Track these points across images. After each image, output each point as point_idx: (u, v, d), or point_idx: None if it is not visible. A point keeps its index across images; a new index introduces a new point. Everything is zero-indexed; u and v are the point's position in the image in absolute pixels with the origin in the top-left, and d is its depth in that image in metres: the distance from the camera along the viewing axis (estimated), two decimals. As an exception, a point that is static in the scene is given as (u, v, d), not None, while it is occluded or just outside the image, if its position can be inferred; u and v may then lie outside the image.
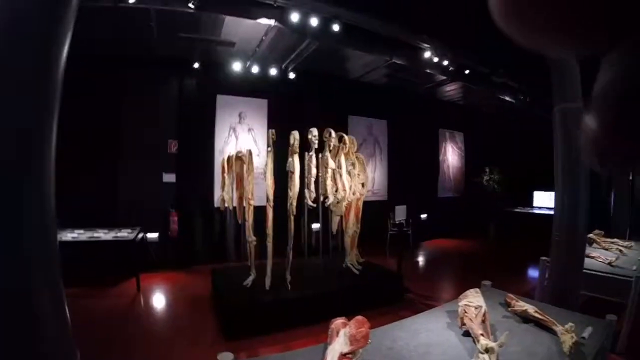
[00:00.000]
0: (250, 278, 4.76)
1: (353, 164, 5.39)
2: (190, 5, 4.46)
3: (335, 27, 5.34)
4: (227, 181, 5.72)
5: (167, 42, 6.07)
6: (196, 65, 6.87)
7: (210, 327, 4.37)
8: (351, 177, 5.30)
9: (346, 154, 5.32)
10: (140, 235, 5.81)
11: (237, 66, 6.99)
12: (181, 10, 4.65)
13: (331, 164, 5.12)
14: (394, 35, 5.93)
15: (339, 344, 1.58)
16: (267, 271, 4.64)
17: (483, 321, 1.84)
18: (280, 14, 5.06)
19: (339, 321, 1.75)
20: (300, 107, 7.98)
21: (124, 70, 6.64)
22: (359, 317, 1.76)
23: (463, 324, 1.90)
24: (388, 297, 5.14)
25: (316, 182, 5.22)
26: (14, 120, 1.40)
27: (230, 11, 4.92)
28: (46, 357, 1.43)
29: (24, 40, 1.41)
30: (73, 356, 1.59)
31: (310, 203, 5.13)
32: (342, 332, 1.64)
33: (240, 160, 4.95)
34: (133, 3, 4.42)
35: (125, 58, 6.52)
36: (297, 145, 4.75)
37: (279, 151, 4.83)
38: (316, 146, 5.03)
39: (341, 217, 5.43)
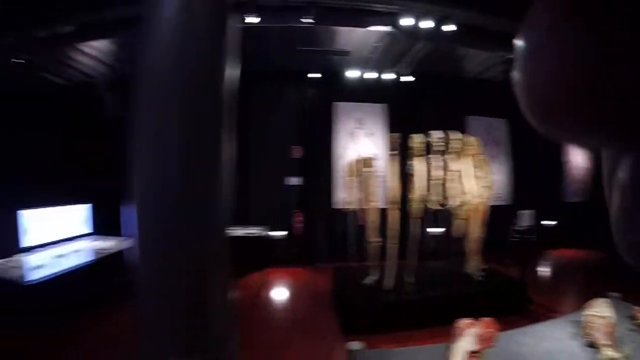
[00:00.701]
0: (371, 278, 4.88)
1: (478, 166, 5.17)
2: (307, 20, 4.79)
3: (448, 28, 5.24)
4: (350, 184, 5.91)
5: (286, 55, 6.58)
6: (314, 74, 7.36)
7: (329, 322, 4.58)
8: (476, 179, 5.10)
9: (471, 156, 5.14)
10: (267, 232, 6.58)
11: (353, 73, 7.27)
12: (299, 26, 5.01)
13: (455, 166, 5.00)
14: (509, 30, 5.59)
15: (466, 342, 1.57)
16: (388, 272, 4.72)
17: (609, 332, 1.68)
18: (392, 19, 5.14)
19: (465, 321, 1.74)
20: (418, 110, 7.97)
21: (247, 83, 7.31)
22: (487, 318, 1.73)
23: (587, 334, 1.75)
24: (510, 305, 4.81)
25: (439, 185, 5.15)
26: (205, 137, 1.72)
27: (344, 22, 5.16)
28: (216, 338, 1.70)
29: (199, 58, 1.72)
30: (235, 338, 1.84)
31: (432, 206, 5.07)
32: (469, 332, 1.63)
33: (363, 164, 5.15)
34: (257, 23, 4.89)
35: (247, 72, 7.15)
36: (418, 148, 4.81)
37: (401, 154, 4.93)
38: (438, 148, 4.99)
39: (464, 221, 5.26)
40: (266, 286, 6.07)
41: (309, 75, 7.38)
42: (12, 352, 3.68)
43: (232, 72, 1.86)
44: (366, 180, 5.04)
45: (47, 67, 7.33)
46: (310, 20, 4.80)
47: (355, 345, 1.68)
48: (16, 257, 4.49)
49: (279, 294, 5.96)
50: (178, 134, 1.67)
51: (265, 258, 6.23)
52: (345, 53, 6.58)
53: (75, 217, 5.88)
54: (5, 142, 4.63)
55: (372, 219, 4.96)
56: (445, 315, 2.65)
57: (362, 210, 5.21)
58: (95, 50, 7.01)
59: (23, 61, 6.41)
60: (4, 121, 4.64)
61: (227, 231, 1.80)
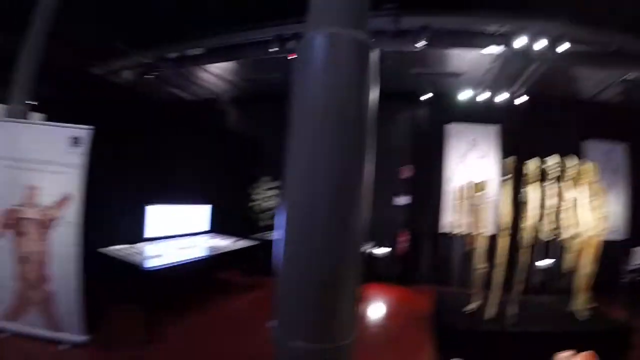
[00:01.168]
0: (473, 305, 4.75)
1: (594, 195, 4.80)
2: (421, 44, 4.90)
3: (563, 47, 5.03)
4: (460, 207, 5.84)
5: (400, 78, 6.76)
6: (425, 96, 7.46)
7: (425, 344, 4.56)
8: (592, 210, 4.74)
9: (587, 184, 4.80)
10: (372, 249, 6.88)
11: (465, 95, 7.20)
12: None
13: (570, 194, 4.71)
14: (627, 48, 5.15)
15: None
16: (491, 300, 4.57)
17: None
18: (505, 40, 5.05)
19: (565, 354, 1.72)
20: (532, 132, 7.54)
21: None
22: (587, 352, 1.70)
23: None
24: (611, 349, 4.36)
25: (553, 213, 4.87)
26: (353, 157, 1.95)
27: (456, 45, 5.19)
28: (342, 328, 1.88)
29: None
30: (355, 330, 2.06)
31: (544, 236, 4.82)
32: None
33: (475, 188, 5.07)
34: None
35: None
36: (533, 174, 4.64)
37: (514, 179, 4.76)
38: (553, 175, 4.76)
39: (576, 254, 4.90)
40: (365, 300, 6.21)
41: (422, 97, 7.48)
42: (127, 324, 4.44)
43: (372, 99, 2.08)
44: (477, 205, 4.95)
45: (175, 83, 8.43)
46: (424, 44, 4.90)
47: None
48: (139, 245, 5.21)
49: (377, 309, 6.07)
50: (328, 155, 1.93)
51: (367, 273, 6.38)
52: (457, 75, 6.55)
53: (197, 215, 6.56)
54: (139, 146, 5.27)
55: (480, 245, 4.84)
56: (544, 351, 2.57)
57: (471, 236, 5.09)
58: (219, 69, 7.84)
59: (152, 76, 7.45)
60: (138, 127, 5.27)
61: (361, 244, 2.00)
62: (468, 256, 5.10)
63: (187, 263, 4.87)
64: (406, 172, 7.67)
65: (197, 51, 6.80)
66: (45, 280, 3.87)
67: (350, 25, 2.06)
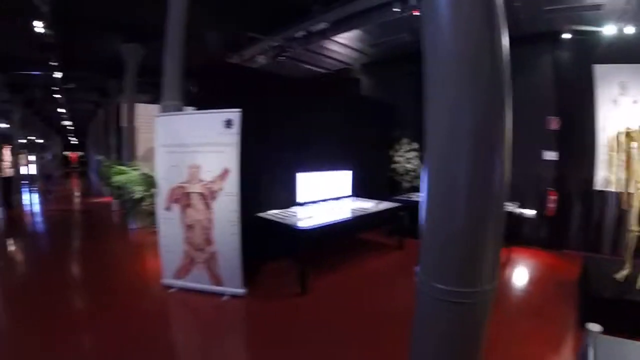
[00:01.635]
0: (624, 272, 4.32)
1: None
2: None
3: None
4: (615, 161, 5.20)
5: (532, 18, 6.11)
6: (566, 35, 6.54)
7: (568, 312, 4.30)
8: None
9: None
10: (519, 209, 6.40)
11: (609, 30, 6.10)
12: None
13: None
14: None
15: None
16: (644, 268, 4.09)
17: None
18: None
19: None
20: None
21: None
22: None
23: None
24: None
25: None
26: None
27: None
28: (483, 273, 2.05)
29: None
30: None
31: None
32: None
33: (629, 138, 4.36)
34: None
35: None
36: None
37: None
38: None
39: None
40: (509, 263, 6.06)
41: (562, 36, 6.54)
42: (281, 278, 5.10)
43: (504, 42, 2.06)
44: (632, 158, 4.27)
45: (307, 60, 8.99)
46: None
47: (595, 327, 1.71)
48: (292, 209, 5.87)
49: (520, 274, 5.84)
50: (467, 109, 1.97)
51: (512, 235, 6.15)
52: (596, 7, 5.70)
53: (340, 181, 7.01)
54: (284, 121, 5.80)
55: (636, 204, 4.19)
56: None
57: (625, 194, 4.42)
58: (345, 39, 8.04)
59: (284, 58, 8.02)
60: (280, 104, 5.77)
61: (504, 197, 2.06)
62: (622, 217, 4.53)
63: (334, 224, 5.31)
64: (553, 123, 6.85)
65: (322, 25, 7.06)
66: (209, 243, 4.64)
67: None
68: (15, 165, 15.55)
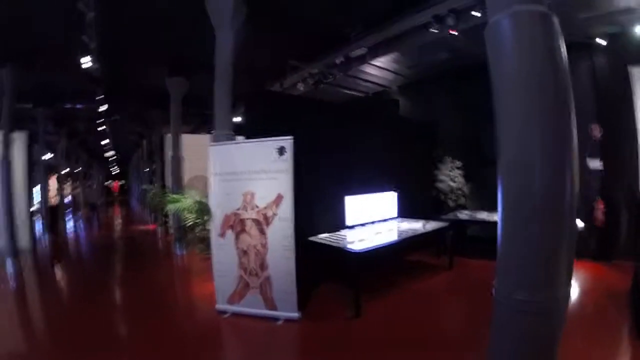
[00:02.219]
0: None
1: None
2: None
3: None
4: None
5: (569, 27, 6.03)
6: (600, 41, 6.49)
7: (623, 323, 4.15)
8: None
9: None
10: None
11: None
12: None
13: None
14: None
15: None
16: None
17: None
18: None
19: None
20: None
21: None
22: None
23: None
24: None
25: None
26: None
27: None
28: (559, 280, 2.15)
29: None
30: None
31: None
32: None
33: None
34: None
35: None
36: None
37: None
38: None
39: None
40: None
41: (597, 41, 6.49)
42: (334, 301, 5.03)
43: (564, 56, 2.19)
44: None
45: (345, 85, 9.19)
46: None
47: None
48: (342, 232, 5.92)
49: (572, 285, 5.68)
50: (537, 118, 2.12)
51: None
52: (630, 10, 5.62)
53: (386, 202, 6.99)
54: (330, 145, 5.90)
55: None
56: None
57: None
58: (384, 63, 8.19)
59: (324, 84, 8.25)
60: (324, 129, 5.86)
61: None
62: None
63: (387, 245, 5.30)
64: (595, 131, 6.64)
65: (361, 51, 7.24)
66: (263, 268, 4.71)
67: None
68: (60, 193, 16.28)
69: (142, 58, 8.02)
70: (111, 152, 24.17)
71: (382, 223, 6.73)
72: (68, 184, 19.83)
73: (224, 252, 4.91)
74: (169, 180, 11.36)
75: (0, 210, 7.60)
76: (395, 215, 7.20)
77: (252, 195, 4.71)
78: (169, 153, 10.74)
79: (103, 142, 19.21)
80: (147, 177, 17.31)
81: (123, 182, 44.29)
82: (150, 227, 15.07)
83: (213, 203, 4.96)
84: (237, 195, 4.78)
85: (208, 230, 5.44)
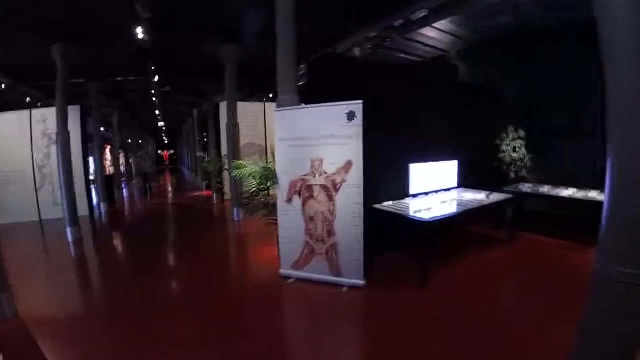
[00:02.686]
0: None
1: None
2: None
3: None
4: None
5: None
6: None
7: None
8: None
9: None
10: None
11: None
12: None
13: None
14: None
15: None
16: None
17: None
18: None
19: None
20: None
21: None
22: None
23: None
24: None
25: None
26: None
27: None
28: None
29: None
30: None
31: None
32: None
33: None
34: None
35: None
36: None
37: None
38: None
39: None
40: None
41: None
42: (399, 270, 4.86)
43: None
44: None
45: (402, 49, 8.84)
46: None
47: None
48: (406, 201, 5.77)
49: None
50: None
51: None
52: None
53: (447, 171, 6.76)
54: (393, 112, 5.67)
55: None
56: None
57: None
58: (444, 26, 7.78)
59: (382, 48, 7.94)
60: (386, 95, 5.63)
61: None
62: None
63: (454, 215, 5.13)
64: None
65: (422, 13, 6.87)
66: (331, 235, 4.67)
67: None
68: (115, 164, 16.96)
69: (194, 26, 7.95)
70: (161, 123, 24.89)
71: (444, 193, 6.53)
72: (121, 154, 20.64)
73: (289, 218, 4.90)
74: (224, 148, 11.58)
75: (61, 181, 7.88)
76: (456, 185, 6.95)
77: (321, 161, 4.62)
78: (224, 121, 10.84)
79: (155, 114, 19.73)
80: (200, 146, 17.67)
81: (172, 151, 46.06)
82: (204, 193, 15.49)
83: (279, 169, 4.92)
84: (305, 161, 4.71)
85: (272, 196, 5.46)
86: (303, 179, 4.74)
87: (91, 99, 12.53)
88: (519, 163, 8.39)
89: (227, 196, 12.04)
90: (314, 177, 4.67)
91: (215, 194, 12.47)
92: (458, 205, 5.63)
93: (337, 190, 4.57)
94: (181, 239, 8.38)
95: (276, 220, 5.12)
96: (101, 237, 8.92)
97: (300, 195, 4.79)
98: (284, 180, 4.87)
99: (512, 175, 8.39)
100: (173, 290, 5.26)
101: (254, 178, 5.34)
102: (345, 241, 4.62)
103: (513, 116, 8.50)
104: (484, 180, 7.40)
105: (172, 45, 8.94)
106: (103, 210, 12.15)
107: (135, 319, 4.16)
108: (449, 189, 6.73)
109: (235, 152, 9.04)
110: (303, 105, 4.89)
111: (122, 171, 20.84)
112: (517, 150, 8.37)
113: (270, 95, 14.84)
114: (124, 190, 18.51)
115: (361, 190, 4.48)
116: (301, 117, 4.75)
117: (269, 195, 5.55)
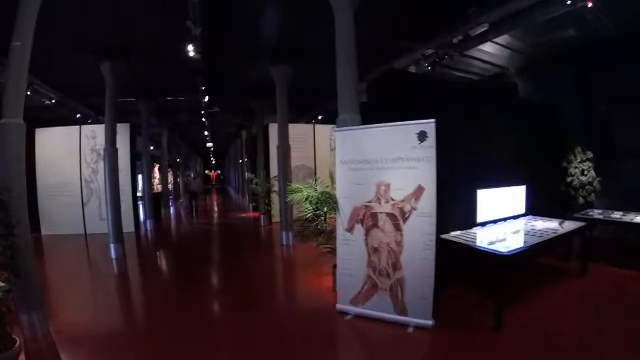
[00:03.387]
0: None
1: None
2: None
3: None
4: None
5: None
6: None
7: None
8: None
9: None
10: None
11: None
12: None
13: None
14: None
15: None
16: None
17: None
18: None
19: None
20: None
21: None
22: None
23: None
24: None
25: None
26: None
27: None
28: None
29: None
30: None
31: None
32: None
33: None
34: None
35: None
36: None
37: None
38: None
39: None
40: None
41: None
42: (471, 307, 4.29)
43: None
44: None
45: (459, 66, 8.37)
46: None
47: None
48: (474, 230, 5.25)
49: None
50: None
51: None
52: None
53: (515, 197, 6.20)
54: (458, 132, 5.15)
55: None
56: None
57: None
58: (504, 40, 7.33)
59: (427, 66, 7.52)
60: (448, 115, 5.16)
61: None
62: None
63: (531, 247, 4.55)
64: None
65: (482, 28, 6.44)
66: (396, 268, 4.20)
67: None
68: (163, 182, 17.27)
69: (245, 45, 7.86)
70: (210, 144, 25.38)
71: (512, 221, 5.96)
72: (170, 173, 21.11)
73: (349, 248, 4.48)
74: (272, 170, 11.58)
75: (107, 197, 7.87)
76: (523, 211, 6.34)
77: (387, 186, 4.20)
78: (273, 142, 10.80)
79: (203, 134, 20.07)
80: (248, 167, 17.71)
81: (219, 171, 47.27)
82: (251, 215, 15.36)
83: (339, 193, 4.53)
84: (369, 186, 4.31)
85: (328, 222, 5.08)
86: (366, 206, 4.32)
87: (141, 118, 12.76)
88: (587, 187, 7.72)
89: (275, 219, 11.88)
90: (380, 203, 4.24)
91: (263, 216, 12.27)
92: (532, 235, 5.04)
93: (405, 219, 4.12)
94: (228, 262, 8.14)
95: (332, 248, 4.71)
96: (144, 256, 8.85)
97: (362, 223, 4.36)
98: (345, 206, 4.48)
99: (581, 200, 7.70)
100: (217, 318, 4.94)
101: (310, 203, 4.98)
102: (412, 276, 4.14)
103: (578, 136, 7.86)
104: (549, 207, 6.83)
105: (223, 64, 8.94)
106: (149, 227, 12.24)
107: (172, 346, 3.89)
108: (516, 217, 6.15)
109: (286, 173, 8.77)
110: (368, 125, 4.49)
111: (170, 189, 21.27)
112: (585, 173, 7.71)
113: (319, 117, 14.71)
114: (171, 208, 18.78)
115: (433, 220, 4.03)
116: (365, 137, 4.38)
117: (325, 221, 5.16)
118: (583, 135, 7.87)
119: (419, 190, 4.04)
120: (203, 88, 9.86)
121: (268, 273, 6.97)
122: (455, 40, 6.98)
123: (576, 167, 7.71)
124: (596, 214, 6.73)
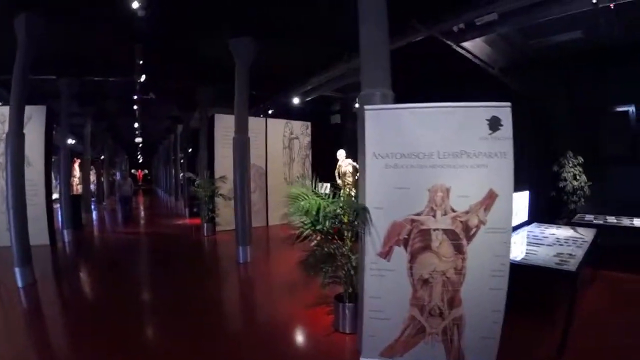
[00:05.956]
0: None
1: None
2: None
3: None
4: None
5: None
6: None
7: None
8: None
9: None
10: None
11: None
12: None
13: None
14: None
15: None
16: None
17: None
18: None
19: None
20: None
21: None
22: None
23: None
24: None
25: None
26: None
27: None
28: None
29: None
30: None
31: None
32: None
33: None
34: None
35: None
36: None
37: None
38: None
39: None
40: None
41: None
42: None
43: None
44: None
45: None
46: None
47: None
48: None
49: None
50: None
51: None
52: None
53: (519, 204, 5.48)
54: None
55: None
56: None
57: None
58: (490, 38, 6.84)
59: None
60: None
61: None
62: None
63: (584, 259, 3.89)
64: None
65: (491, 17, 5.69)
66: (454, 305, 3.03)
67: None
68: (85, 182, 14.71)
69: (203, 7, 6.32)
70: (139, 139, 22.65)
71: (524, 228, 5.53)
72: (92, 171, 18.29)
73: (383, 281, 3.17)
74: (219, 169, 10.29)
75: (8, 201, 5.77)
76: (526, 219, 5.74)
77: (446, 191, 2.97)
78: (219, 136, 10.17)
79: (132, 126, 17.74)
80: (184, 166, 15.70)
81: (147, 171, 43.46)
82: (188, 221, 13.39)
83: (370, 202, 3.20)
84: (418, 191, 3.04)
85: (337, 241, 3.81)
86: (414, 220, 3.05)
87: (61, 102, 10.30)
88: (579, 192, 7.70)
89: (221, 227, 10.34)
90: (434, 216, 3.00)
91: (206, 224, 10.42)
92: (569, 245, 4.45)
93: (470, 238, 2.95)
94: (174, 290, 5.91)
95: (337, 279, 3.48)
96: (61, 281, 6.58)
97: (406, 245, 3.09)
98: (379, 221, 3.15)
99: (572, 205, 7.66)
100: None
101: (334, 216, 3.59)
102: (475, 313, 3.01)
103: (567, 139, 7.93)
104: (539, 212, 6.63)
105: (171, 30, 7.29)
106: (67, 238, 9.79)
107: None
108: (520, 225, 5.49)
109: (244, 173, 7.25)
110: (415, 105, 3.18)
111: (92, 190, 18.46)
112: (577, 177, 7.71)
113: (270, 112, 13.34)
114: (94, 213, 16.18)
115: (509, 237, 2.94)
116: (412, 121, 3.09)
117: (334, 240, 3.79)
118: (570, 140, 7.90)
119: (490, 196, 2.90)
120: (141, 62, 8.08)
121: (230, 308, 5.35)
122: (455, 29, 6.17)
123: (568, 172, 7.69)
124: (590, 218, 6.50)
